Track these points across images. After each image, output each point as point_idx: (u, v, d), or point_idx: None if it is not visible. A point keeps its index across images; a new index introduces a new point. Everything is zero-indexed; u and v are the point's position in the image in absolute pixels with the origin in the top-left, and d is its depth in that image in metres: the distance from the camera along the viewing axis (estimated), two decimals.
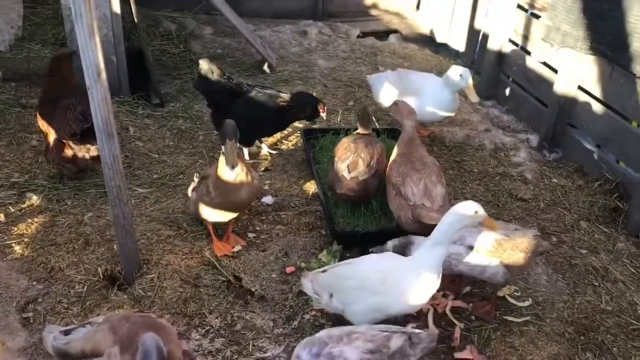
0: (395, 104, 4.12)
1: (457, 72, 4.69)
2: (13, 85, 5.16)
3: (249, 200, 3.66)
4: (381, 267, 3.00)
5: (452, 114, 4.93)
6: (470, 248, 3.22)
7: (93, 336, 2.48)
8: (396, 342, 2.63)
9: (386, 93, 4.92)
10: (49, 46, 5.53)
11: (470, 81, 4.72)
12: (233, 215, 3.67)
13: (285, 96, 4.47)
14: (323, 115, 4.47)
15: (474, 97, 4.75)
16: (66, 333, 2.58)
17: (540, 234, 3.46)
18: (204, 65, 4.44)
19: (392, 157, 3.90)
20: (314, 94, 4.69)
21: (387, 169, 3.88)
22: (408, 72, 5.06)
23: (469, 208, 2.92)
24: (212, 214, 3.60)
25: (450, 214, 2.93)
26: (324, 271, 3.15)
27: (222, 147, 3.41)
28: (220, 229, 3.89)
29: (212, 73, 4.44)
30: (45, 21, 5.87)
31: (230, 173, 3.42)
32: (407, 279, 2.91)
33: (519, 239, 3.24)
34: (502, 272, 3.23)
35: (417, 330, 2.75)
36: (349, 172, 3.87)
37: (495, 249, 3.20)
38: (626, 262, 3.97)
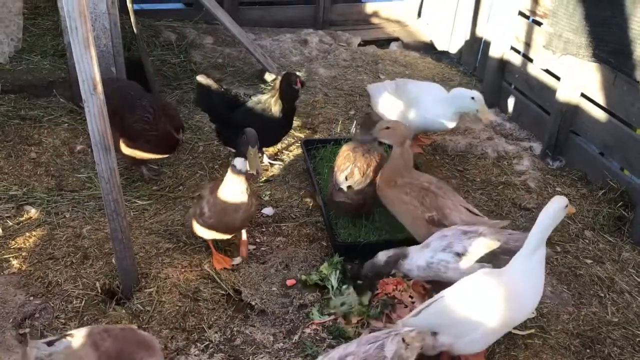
0: (387, 127, 3.72)
1: (469, 95, 4.50)
2: (12, 97, 5.13)
3: (242, 225, 3.61)
4: (496, 285, 2.86)
5: (453, 125, 4.83)
6: (458, 255, 3.17)
7: (74, 352, 2.45)
8: (390, 347, 2.58)
9: (385, 102, 4.88)
10: (48, 57, 5.51)
11: (483, 105, 4.52)
12: (225, 236, 3.63)
13: (277, 107, 4.40)
14: (298, 86, 4.34)
15: (490, 116, 4.64)
16: (49, 344, 2.53)
17: None
18: (202, 80, 4.41)
19: (392, 189, 3.67)
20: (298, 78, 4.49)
21: (398, 202, 3.65)
22: (407, 82, 5.00)
23: (561, 203, 2.86)
24: (205, 233, 3.57)
25: (545, 216, 2.87)
26: (415, 315, 2.94)
27: (234, 159, 3.39)
28: (222, 242, 3.84)
29: (210, 87, 4.41)
30: (45, 32, 5.85)
31: (235, 194, 3.39)
32: (525, 288, 2.87)
33: (512, 243, 3.19)
34: None
35: (407, 329, 2.73)
36: (346, 180, 3.84)
37: (487, 255, 3.15)
38: (632, 272, 3.91)
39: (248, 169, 3.40)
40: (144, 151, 4.13)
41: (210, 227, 3.50)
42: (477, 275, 2.94)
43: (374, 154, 3.98)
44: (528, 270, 2.88)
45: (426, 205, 3.55)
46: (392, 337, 2.62)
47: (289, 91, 4.33)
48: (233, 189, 3.40)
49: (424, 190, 3.60)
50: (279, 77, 4.40)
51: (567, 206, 2.88)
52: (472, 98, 4.49)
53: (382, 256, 3.33)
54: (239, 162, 3.38)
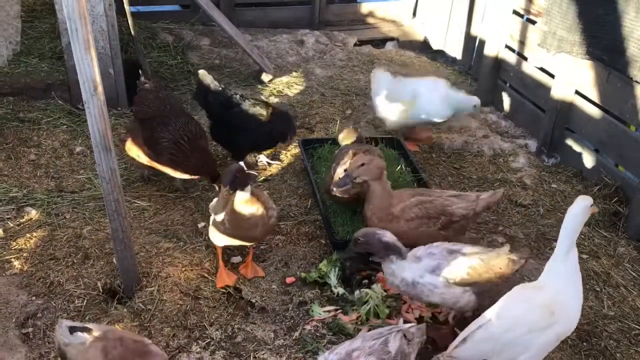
0: (362, 164, 3.52)
1: (473, 103, 4.87)
2: (11, 100, 5.16)
3: (262, 236, 3.56)
4: (540, 300, 2.80)
5: (444, 119, 4.95)
6: (446, 280, 3.07)
7: (86, 352, 2.49)
8: (394, 343, 2.64)
9: (384, 98, 4.96)
10: (46, 60, 5.53)
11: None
12: (244, 243, 3.58)
13: (264, 112, 4.44)
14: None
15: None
16: (72, 330, 2.57)
17: (511, 251, 3.26)
18: (202, 75, 4.45)
19: (394, 223, 3.51)
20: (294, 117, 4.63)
21: (410, 231, 3.51)
22: (409, 79, 5.09)
23: (586, 202, 2.84)
24: (222, 240, 3.51)
25: (572, 216, 2.82)
26: (460, 344, 2.79)
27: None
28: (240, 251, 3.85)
29: (208, 85, 4.45)
30: (43, 35, 5.87)
31: (248, 211, 3.30)
32: (568, 296, 2.82)
33: (493, 260, 3.13)
34: (474, 301, 3.15)
35: (408, 325, 2.78)
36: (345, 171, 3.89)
37: (470, 276, 3.08)
38: (627, 266, 3.96)
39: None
40: (163, 167, 4.10)
41: (230, 236, 3.43)
42: (517, 293, 2.86)
43: (374, 154, 4.01)
44: (566, 277, 2.83)
45: (433, 215, 3.53)
46: (394, 333, 2.67)
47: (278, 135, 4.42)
48: (245, 208, 3.31)
49: (420, 203, 3.55)
50: (270, 108, 4.48)
51: (592, 205, 2.84)
52: (475, 106, 4.89)
53: (389, 236, 3.17)
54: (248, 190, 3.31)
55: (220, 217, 3.36)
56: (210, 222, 3.55)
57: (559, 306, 2.80)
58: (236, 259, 3.79)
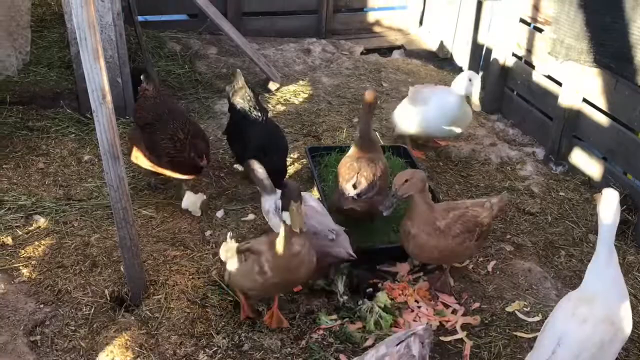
0: (406, 180, 3.41)
1: (466, 76, 4.73)
2: (20, 109, 5.19)
3: (305, 279, 3.31)
4: (598, 315, 2.72)
5: (460, 129, 4.94)
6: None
7: None
8: (415, 346, 2.65)
9: (400, 112, 5.08)
10: (55, 69, 5.58)
11: (478, 86, 4.74)
12: (281, 292, 3.48)
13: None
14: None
15: (475, 104, 4.81)
16: None
17: None
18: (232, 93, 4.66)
19: (441, 238, 3.45)
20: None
21: (457, 247, 3.49)
22: (417, 91, 5.11)
23: (615, 197, 2.83)
24: (263, 292, 3.35)
25: (609, 213, 2.79)
26: None
27: (283, 214, 3.04)
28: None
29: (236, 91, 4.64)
30: (52, 44, 5.92)
31: (295, 249, 3.07)
32: (620, 301, 2.78)
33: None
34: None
35: (419, 328, 2.76)
36: (355, 189, 3.86)
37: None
38: (637, 275, 3.93)
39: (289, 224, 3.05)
40: (166, 169, 4.10)
41: (271, 286, 3.22)
42: (571, 312, 2.76)
43: (378, 163, 4.01)
44: (614, 282, 2.78)
45: (472, 228, 3.49)
46: (413, 337, 2.67)
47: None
48: (291, 245, 3.08)
49: (462, 217, 3.50)
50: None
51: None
52: (470, 79, 4.71)
53: (262, 172, 3.83)
54: (288, 217, 3.03)
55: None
56: (238, 272, 3.29)
57: (617, 314, 2.75)
58: None
